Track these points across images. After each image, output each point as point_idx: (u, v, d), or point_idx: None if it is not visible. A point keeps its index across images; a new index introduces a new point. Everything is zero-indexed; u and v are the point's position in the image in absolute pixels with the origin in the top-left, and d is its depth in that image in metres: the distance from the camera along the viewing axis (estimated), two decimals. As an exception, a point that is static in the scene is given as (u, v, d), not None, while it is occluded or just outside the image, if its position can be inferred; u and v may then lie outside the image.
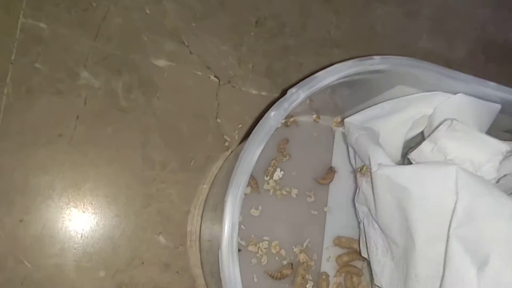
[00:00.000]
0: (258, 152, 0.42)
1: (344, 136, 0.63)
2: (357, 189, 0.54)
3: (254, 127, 0.42)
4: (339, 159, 0.64)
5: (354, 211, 0.61)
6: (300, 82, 0.44)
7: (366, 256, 0.56)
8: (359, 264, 0.62)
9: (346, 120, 0.53)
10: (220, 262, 0.40)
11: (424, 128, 0.53)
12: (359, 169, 0.48)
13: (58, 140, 0.56)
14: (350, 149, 0.56)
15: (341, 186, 0.63)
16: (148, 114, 0.59)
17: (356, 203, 0.54)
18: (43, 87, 0.57)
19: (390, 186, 0.43)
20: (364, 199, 0.50)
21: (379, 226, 0.48)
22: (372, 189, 0.46)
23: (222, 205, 0.53)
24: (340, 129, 0.64)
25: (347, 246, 0.61)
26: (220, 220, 0.53)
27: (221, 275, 0.40)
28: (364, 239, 0.56)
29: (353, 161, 0.56)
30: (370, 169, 0.45)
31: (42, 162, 0.55)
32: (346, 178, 0.63)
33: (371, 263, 0.51)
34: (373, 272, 0.51)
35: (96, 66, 0.59)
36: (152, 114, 0.59)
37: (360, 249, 0.61)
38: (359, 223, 0.57)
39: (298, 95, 0.43)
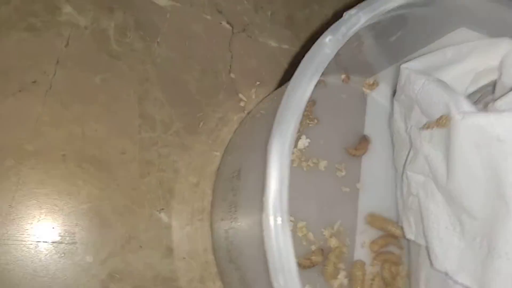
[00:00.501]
0: (310, 88, 0.31)
1: (374, 101, 0.53)
2: (411, 156, 0.43)
3: (278, 88, 0.30)
4: (372, 128, 0.53)
5: (391, 187, 0.51)
6: (360, 4, 0.34)
7: (412, 237, 0.46)
8: (396, 251, 0.51)
9: (403, 66, 0.42)
10: (265, 235, 0.29)
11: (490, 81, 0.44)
12: (425, 126, 0.38)
13: (32, 88, 0.43)
14: (397, 107, 0.46)
15: (376, 158, 0.53)
16: (147, 62, 0.47)
17: (408, 172, 0.43)
18: (13, 21, 0.44)
19: (478, 139, 0.33)
20: (424, 165, 0.40)
21: (447, 196, 0.38)
22: (446, 147, 0.35)
23: (244, 171, 0.41)
24: (373, 92, 0.53)
25: (381, 227, 0.51)
26: (242, 190, 0.42)
27: (267, 255, 0.29)
28: (410, 218, 0.46)
29: (400, 123, 0.46)
30: (450, 118, 0.34)
31: (11, 114, 0.42)
32: (382, 149, 0.53)
33: (429, 244, 0.41)
34: (431, 254, 0.41)
35: (82, 0, 0.46)
36: (151, 63, 0.47)
37: (396, 232, 0.50)
38: (403, 200, 0.47)
39: (358, 18, 0.33)
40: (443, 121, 0.36)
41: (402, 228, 0.51)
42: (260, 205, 0.32)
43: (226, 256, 0.42)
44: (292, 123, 0.30)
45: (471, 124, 0.34)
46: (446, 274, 0.38)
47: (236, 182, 0.41)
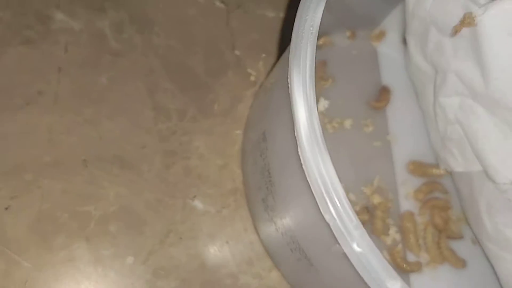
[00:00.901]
0: (318, 14, 0.30)
1: (384, 52, 0.51)
2: (439, 82, 0.41)
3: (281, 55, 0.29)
4: (389, 77, 0.52)
5: (422, 133, 0.49)
6: None
7: (461, 169, 0.43)
8: (442, 196, 0.49)
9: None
10: (306, 169, 0.27)
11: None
12: (452, 32, 0.36)
13: (38, 99, 0.42)
14: (411, 41, 0.44)
15: (400, 107, 0.51)
16: (149, 54, 0.46)
17: (441, 99, 0.41)
18: (8, 38, 0.43)
19: (509, 26, 0.31)
20: (456, 82, 0.38)
21: (489, 105, 0.36)
22: (476, 52, 0.33)
23: (269, 132, 0.39)
24: (382, 43, 0.52)
25: (424, 173, 0.48)
26: (270, 149, 0.39)
27: (308, 179, 0.27)
28: (453, 150, 0.44)
29: (418, 57, 0.44)
30: (474, 16, 0.32)
31: (23, 129, 0.40)
32: (404, 97, 0.51)
33: (484, 163, 0.38)
34: (490, 172, 0.38)
35: (71, 5, 0.45)
36: (154, 54, 0.46)
37: (441, 174, 0.48)
38: (441, 134, 0.45)
39: None
40: (467, 20, 0.34)
41: (444, 169, 0.49)
42: (291, 156, 0.31)
43: (271, 227, 0.40)
44: (309, 48, 0.28)
45: (497, 13, 0.32)
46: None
47: (263, 144, 0.39)
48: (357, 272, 0.28)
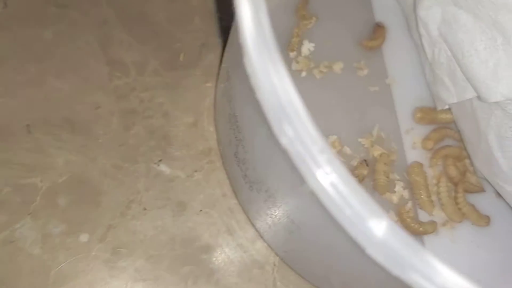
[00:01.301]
0: None
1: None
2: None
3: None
4: (384, 12, 0.44)
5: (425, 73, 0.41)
6: None
7: (455, 100, 0.37)
8: (455, 143, 0.42)
9: None
10: (253, 83, 0.20)
11: None
12: None
13: (-28, 59, 0.35)
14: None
15: (398, 45, 0.44)
16: (100, 3, 0.40)
17: (421, 13, 0.34)
18: None
19: None
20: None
21: (475, 8, 0.29)
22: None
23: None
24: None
25: (433, 120, 0.41)
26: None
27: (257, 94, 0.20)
28: (444, 78, 0.37)
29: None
30: None
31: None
32: (402, 34, 0.44)
33: (474, 79, 0.32)
34: (480, 89, 0.32)
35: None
36: (106, 3, 0.40)
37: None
38: (429, 60, 0.38)
39: None
40: None
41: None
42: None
43: (246, 185, 0.33)
44: None
45: None
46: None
47: (228, 84, 0.32)
48: (329, 213, 0.20)
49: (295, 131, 0.20)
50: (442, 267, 0.19)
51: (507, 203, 0.42)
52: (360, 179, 0.40)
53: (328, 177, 0.20)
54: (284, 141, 0.20)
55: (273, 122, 0.20)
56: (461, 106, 0.39)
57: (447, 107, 0.42)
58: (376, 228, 0.20)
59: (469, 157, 0.43)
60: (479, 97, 0.35)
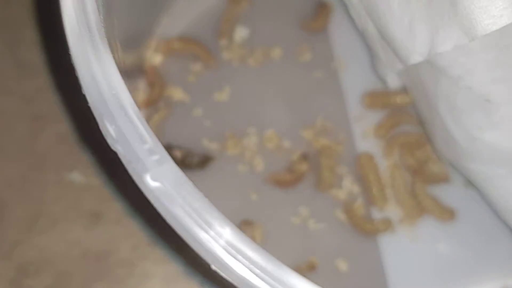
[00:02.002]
0: None
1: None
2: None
3: None
4: (328, -11, 0.40)
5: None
6: None
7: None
8: (414, 129, 0.37)
9: None
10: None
11: None
12: None
13: None
14: None
15: (344, 24, 0.39)
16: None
17: None
18: None
19: None
20: None
21: None
22: None
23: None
24: None
25: (386, 103, 0.36)
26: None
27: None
28: (377, 52, 0.33)
29: None
30: None
31: None
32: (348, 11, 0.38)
33: (392, 37, 0.30)
34: (399, 50, 0.30)
35: None
36: None
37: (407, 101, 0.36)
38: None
39: None
40: None
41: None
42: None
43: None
44: None
45: None
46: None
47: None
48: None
49: (118, 130, 0.16)
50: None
51: (477, 193, 0.37)
52: (299, 177, 0.35)
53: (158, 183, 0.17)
54: (109, 141, 0.17)
55: (98, 119, 0.17)
56: (412, 81, 0.35)
57: (395, 86, 0.38)
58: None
59: (431, 142, 0.38)
60: (399, 59, 0.31)
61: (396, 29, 0.30)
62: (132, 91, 0.37)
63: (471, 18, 0.26)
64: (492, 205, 0.34)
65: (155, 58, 0.38)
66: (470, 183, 0.38)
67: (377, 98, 0.38)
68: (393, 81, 0.37)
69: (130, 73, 0.37)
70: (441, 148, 0.35)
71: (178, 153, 0.34)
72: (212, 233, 0.16)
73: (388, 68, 0.35)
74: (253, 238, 0.35)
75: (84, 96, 0.18)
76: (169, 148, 0.35)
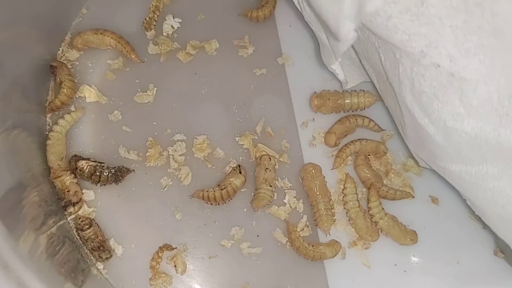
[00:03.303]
0: None
1: None
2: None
3: None
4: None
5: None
6: None
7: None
8: (370, 137, 0.32)
9: None
10: None
11: None
12: None
13: None
14: None
15: (294, 13, 0.33)
16: None
17: None
18: None
19: None
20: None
21: None
22: None
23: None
24: None
25: (337, 107, 0.31)
26: None
27: None
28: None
29: None
30: None
31: None
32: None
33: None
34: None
35: None
36: None
37: (365, 102, 0.31)
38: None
39: None
40: None
41: (368, 95, 0.32)
42: None
43: None
44: None
45: None
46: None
47: None
48: None
49: None
50: None
51: (443, 208, 0.32)
52: (232, 192, 0.30)
53: None
54: None
55: None
56: (371, 66, 0.30)
57: (352, 85, 0.33)
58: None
59: (391, 152, 0.33)
60: (334, 37, 0.26)
61: (326, 5, 0.24)
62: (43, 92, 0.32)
63: None
64: (481, 213, 0.28)
65: (69, 54, 0.33)
66: (436, 198, 0.32)
67: (326, 100, 0.33)
68: (341, 71, 0.31)
69: (41, 72, 0.32)
70: (415, 148, 0.30)
71: (85, 167, 0.29)
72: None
73: (334, 53, 0.29)
74: (175, 266, 0.30)
75: None
76: (75, 161, 0.30)
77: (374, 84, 0.32)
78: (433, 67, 0.24)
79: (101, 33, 0.32)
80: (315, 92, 0.33)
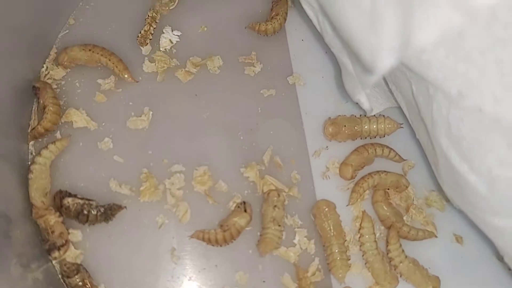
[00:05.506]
0: None
1: None
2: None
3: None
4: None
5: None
6: None
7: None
8: (390, 167, 0.28)
9: None
10: None
11: None
12: None
13: None
14: None
15: (307, 26, 0.30)
16: None
17: None
18: None
19: None
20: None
21: None
22: None
23: None
24: None
25: (354, 135, 0.28)
26: None
27: None
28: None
29: None
30: None
31: None
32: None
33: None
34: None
35: None
36: None
37: (384, 129, 0.28)
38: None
39: None
40: None
41: (390, 121, 0.29)
42: None
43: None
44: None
45: None
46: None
47: None
48: None
49: None
50: None
51: (466, 249, 0.29)
52: (236, 233, 0.27)
53: None
54: None
55: None
56: (402, 95, 0.26)
57: (377, 111, 0.29)
58: None
59: (413, 186, 0.30)
60: (367, 67, 0.22)
61: (353, 20, 0.21)
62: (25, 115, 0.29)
63: None
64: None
65: (54, 72, 0.29)
66: (460, 237, 0.30)
67: (342, 127, 0.30)
68: (366, 101, 0.28)
69: (23, 93, 0.29)
70: (450, 191, 0.27)
71: (71, 205, 0.26)
72: None
73: (361, 83, 0.26)
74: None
75: None
76: (61, 198, 0.27)
77: (398, 109, 0.29)
78: (474, 111, 0.21)
79: (90, 50, 0.29)
80: (329, 117, 0.30)
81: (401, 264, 0.28)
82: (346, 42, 0.23)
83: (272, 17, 0.32)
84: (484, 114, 0.20)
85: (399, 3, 0.19)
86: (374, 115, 0.30)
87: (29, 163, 0.28)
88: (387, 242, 0.29)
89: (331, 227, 0.28)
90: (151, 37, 0.31)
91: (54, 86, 0.29)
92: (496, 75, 0.20)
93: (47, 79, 0.30)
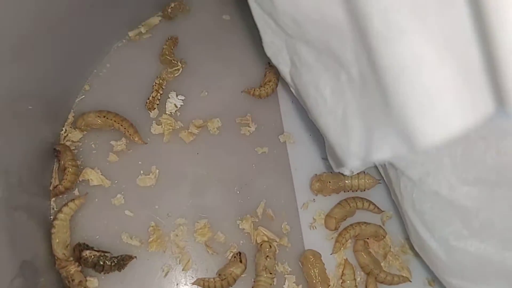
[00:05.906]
0: None
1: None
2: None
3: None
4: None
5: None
6: None
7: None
8: (370, 218, 0.32)
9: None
10: None
11: None
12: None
13: None
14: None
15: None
16: None
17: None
18: None
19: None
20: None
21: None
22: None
23: None
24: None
25: (338, 189, 0.32)
26: None
27: None
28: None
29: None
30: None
31: None
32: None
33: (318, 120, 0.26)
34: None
35: None
36: None
37: (366, 184, 0.32)
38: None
39: None
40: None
41: (369, 178, 0.32)
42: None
43: None
44: None
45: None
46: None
47: None
48: None
49: None
50: None
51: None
52: (232, 280, 0.31)
53: None
54: None
55: None
56: (383, 169, 0.30)
57: (358, 171, 0.33)
58: None
59: (390, 235, 0.34)
60: (340, 161, 0.26)
61: (329, 124, 0.25)
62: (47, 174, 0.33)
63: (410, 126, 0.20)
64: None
65: (72, 135, 0.33)
66: (433, 280, 0.33)
67: (327, 184, 0.34)
68: (348, 170, 0.32)
69: (45, 154, 0.33)
70: (417, 250, 0.31)
71: (88, 257, 0.30)
72: None
73: (341, 162, 0.30)
74: None
75: None
76: (80, 250, 0.31)
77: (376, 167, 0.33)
78: (433, 194, 0.24)
79: (104, 116, 0.33)
80: (315, 174, 0.34)
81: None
82: (324, 137, 0.27)
83: (265, 83, 0.36)
84: (440, 197, 0.24)
85: (363, 118, 0.23)
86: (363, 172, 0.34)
87: (51, 217, 0.32)
88: (366, 287, 0.33)
89: (317, 275, 0.32)
90: (158, 102, 0.35)
91: (72, 148, 0.33)
92: (450, 167, 0.24)
93: (66, 141, 0.34)
